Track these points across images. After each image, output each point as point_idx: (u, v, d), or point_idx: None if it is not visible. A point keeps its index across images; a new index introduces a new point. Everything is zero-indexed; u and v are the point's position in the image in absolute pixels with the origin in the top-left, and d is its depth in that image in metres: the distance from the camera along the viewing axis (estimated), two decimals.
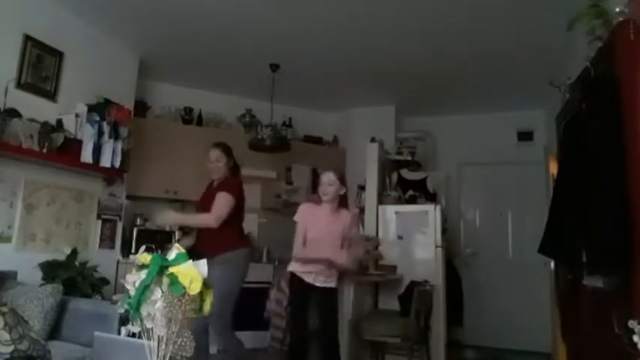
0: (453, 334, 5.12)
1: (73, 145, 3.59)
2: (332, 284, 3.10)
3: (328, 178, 3.13)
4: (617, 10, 2.07)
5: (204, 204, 3.29)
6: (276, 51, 4.52)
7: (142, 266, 1.36)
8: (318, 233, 3.10)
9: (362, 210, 4.77)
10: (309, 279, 3.05)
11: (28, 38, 3.41)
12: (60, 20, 3.72)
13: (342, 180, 3.17)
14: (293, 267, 3.11)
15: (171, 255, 1.38)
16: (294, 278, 3.10)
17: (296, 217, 3.17)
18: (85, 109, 3.76)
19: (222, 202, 3.15)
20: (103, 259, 3.83)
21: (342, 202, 3.19)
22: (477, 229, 5.90)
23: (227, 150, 3.37)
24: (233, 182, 3.32)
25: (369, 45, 4.28)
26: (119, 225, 4.37)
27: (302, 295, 3.10)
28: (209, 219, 3.14)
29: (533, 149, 5.48)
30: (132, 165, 4.24)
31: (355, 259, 3.40)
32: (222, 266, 2.95)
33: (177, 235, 4.64)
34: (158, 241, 4.36)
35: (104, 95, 4.08)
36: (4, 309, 2.13)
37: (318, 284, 3.05)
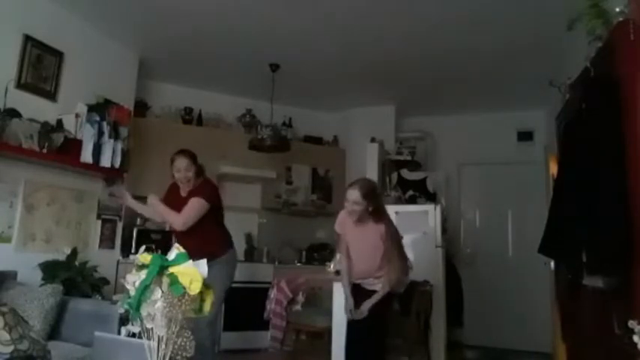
0: (453, 334, 5.12)
1: (73, 145, 3.59)
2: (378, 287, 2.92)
3: (353, 196, 2.80)
4: (617, 10, 2.07)
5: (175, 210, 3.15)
6: (276, 51, 4.52)
7: (142, 266, 1.36)
8: (353, 246, 3.00)
9: None
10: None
11: (28, 38, 3.41)
12: (60, 20, 3.72)
13: (370, 195, 2.82)
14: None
15: (171, 255, 1.38)
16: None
17: (335, 227, 3.04)
18: (85, 109, 3.76)
19: (196, 208, 3.05)
20: (103, 259, 3.82)
21: (376, 217, 2.87)
22: (477, 229, 5.90)
23: (194, 157, 3.24)
24: (208, 187, 3.24)
25: (369, 45, 4.27)
26: (119, 225, 4.37)
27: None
28: (176, 221, 3.06)
29: (533, 149, 5.49)
30: (132, 165, 4.24)
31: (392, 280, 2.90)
32: (218, 267, 2.97)
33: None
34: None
35: (104, 95, 4.08)
36: (4, 309, 2.13)
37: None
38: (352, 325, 2.93)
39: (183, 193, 3.23)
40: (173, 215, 3.10)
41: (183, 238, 2.98)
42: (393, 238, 2.90)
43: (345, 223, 3.00)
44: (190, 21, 3.95)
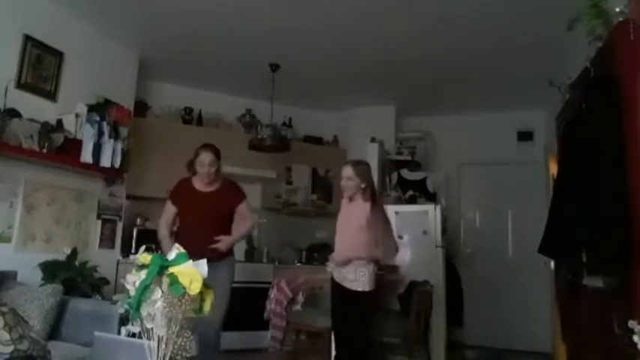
0: (453, 334, 5.12)
1: (73, 145, 3.58)
2: (358, 287, 2.93)
3: (346, 172, 3.01)
4: (617, 10, 2.07)
5: (208, 209, 3.12)
6: (276, 51, 4.52)
7: (142, 266, 1.36)
8: (337, 224, 3.11)
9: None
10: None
11: (28, 38, 3.41)
12: (60, 20, 3.72)
13: (362, 172, 3.00)
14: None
15: (171, 255, 1.38)
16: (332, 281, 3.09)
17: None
18: (85, 109, 3.75)
19: (249, 209, 3.33)
20: (103, 259, 3.82)
21: (365, 196, 2.98)
22: (477, 229, 5.90)
23: (219, 153, 3.22)
24: (235, 184, 3.36)
25: (369, 45, 4.27)
26: (119, 225, 4.37)
27: (332, 296, 3.11)
28: (249, 229, 3.40)
29: (533, 149, 5.49)
30: (132, 165, 4.24)
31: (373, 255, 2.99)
32: (229, 268, 3.14)
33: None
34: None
35: (104, 95, 4.08)
36: (4, 309, 2.13)
37: (345, 285, 2.98)
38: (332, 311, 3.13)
39: (204, 188, 3.21)
40: (245, 229, 3.32)
41: (202, 233, 3.00)
42: (380, 217, 3.04)
43: (342, 206, 3.16)
44: (190, 21, 3.95)
